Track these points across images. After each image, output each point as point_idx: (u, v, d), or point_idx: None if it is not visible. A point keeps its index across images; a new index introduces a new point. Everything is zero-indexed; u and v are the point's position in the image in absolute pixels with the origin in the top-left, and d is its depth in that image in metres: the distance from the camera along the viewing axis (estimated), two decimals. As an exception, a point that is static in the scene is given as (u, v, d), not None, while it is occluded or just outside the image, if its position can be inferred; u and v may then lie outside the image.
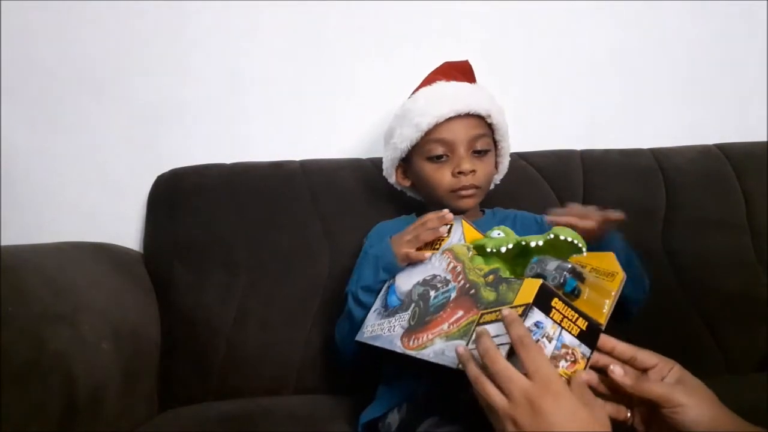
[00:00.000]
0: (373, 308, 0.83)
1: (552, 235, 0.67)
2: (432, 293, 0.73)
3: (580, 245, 0.67)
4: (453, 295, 0.70)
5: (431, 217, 0.82)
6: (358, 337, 0.81)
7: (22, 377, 0.71)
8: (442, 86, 0.95)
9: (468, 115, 0.91)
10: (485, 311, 0.62)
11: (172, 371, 1.03)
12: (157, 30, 1.23)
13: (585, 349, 0.57)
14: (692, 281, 1.08)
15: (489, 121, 0.94)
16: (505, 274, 0.68)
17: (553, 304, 0.57)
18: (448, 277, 0.73)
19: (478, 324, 0.61)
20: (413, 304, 0.75)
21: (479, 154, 0.93)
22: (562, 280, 0.61)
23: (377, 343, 0.76)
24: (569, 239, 0.67)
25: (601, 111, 1.29)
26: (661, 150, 1.19)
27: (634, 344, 0.62)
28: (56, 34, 1.21)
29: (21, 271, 0.82)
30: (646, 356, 0.62)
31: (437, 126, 0.91)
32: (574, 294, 0.61)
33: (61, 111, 1.22)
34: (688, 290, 1.08)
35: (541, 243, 0.67)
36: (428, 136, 0.92)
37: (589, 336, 0.58)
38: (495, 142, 0.97)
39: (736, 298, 1.08)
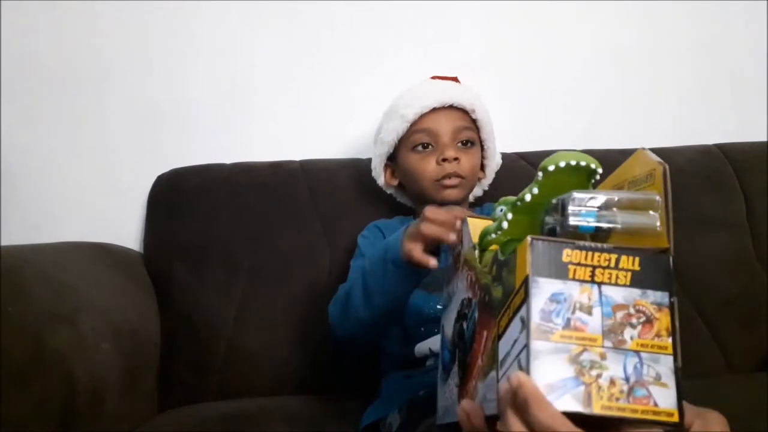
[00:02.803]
0: (438, 375, 0.62)
1: (540, 174, 0.47)
2: (465, 325, 0.55)
3: (592, 165, 0.47)
4: (477, 314, 0.52)
5: (437, 211, 0.65)
6: (439, 422, 0.59)
7: (22, 377, 0.71)
8: (427, 82, 0.98)
9: (453, 108, 0.94)
10: (500, 317, 0.44)
11: (172, 371, 1.03)
12: (158, 30, 1.23)
13: (657, 296, 0.38)
14: (692, 281, 1.08)
15: (473, 116, 0.95)
16: (507, 251, 0.48)
17: (564, 259, 0.39)
18: (470, 295, 0.55)
19: (498, 338, 0.44)
20: (456, 350, 0.56)
21: (464, 145, 0.94)
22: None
23: (452, 420, 0.53)
24: (572, 163, 0.46)
25: (601, 111, 1.29)
26: (661, 150, 1.19)
27: None
28: (56, 34, 1.21)
29: (21, 271, 0.82)
30: None
31: (422, 117, 0.93)
32: (603, 231, 0.42)
33: (61, 111, 1.22)
34: (688, 290, 1.08)
35: (536, 190, 0.48)
36: (413, 127, 0.94)
37: (653, 275, 0.39)
38: (481, 142, 0.98)
39: (736, 298, 1.08)
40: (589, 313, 0.38)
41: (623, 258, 0.39)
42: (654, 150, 0.46)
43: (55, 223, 1.20)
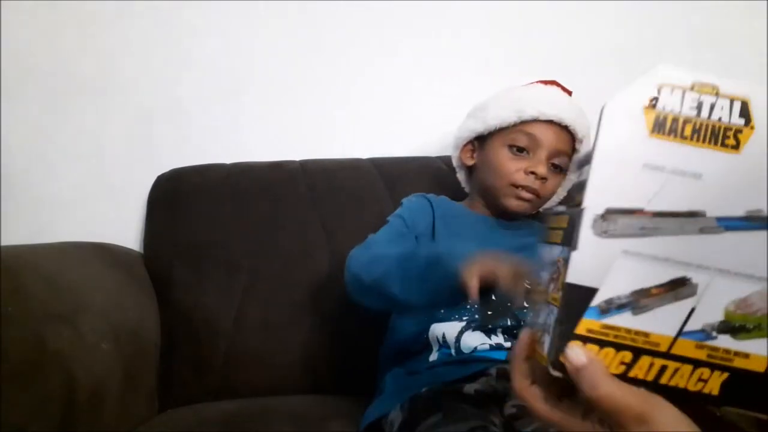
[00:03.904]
0: None
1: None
2: None
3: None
4: None
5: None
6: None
7: (22, 377, 0.71)
8: (557, 91, 0.95)
9: (566, 129, 0.91)
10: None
11: (172, 371, 1.03)
12: (157, 30, 1.23)
13: (565, 251, 0.37)
14: (692, 281, 1.08)
15: (577, 146, 0.93)
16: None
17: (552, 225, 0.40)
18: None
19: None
20: None
21: (555, 168, 0.92)
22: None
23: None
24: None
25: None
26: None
27: None
28: (56, 35, 1.21)
29: (21, 271, 0.82)
30: None
31: (535, 121, 0.90)
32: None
33: (61, 111, 1.22)
34: (688, 290, 1.07)
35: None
36: (521, 126, 0.91)
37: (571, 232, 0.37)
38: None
39: (736, 298, 1.07)
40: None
41: (559, 218, 0.40)
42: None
43: (55, 223, 1.20)
